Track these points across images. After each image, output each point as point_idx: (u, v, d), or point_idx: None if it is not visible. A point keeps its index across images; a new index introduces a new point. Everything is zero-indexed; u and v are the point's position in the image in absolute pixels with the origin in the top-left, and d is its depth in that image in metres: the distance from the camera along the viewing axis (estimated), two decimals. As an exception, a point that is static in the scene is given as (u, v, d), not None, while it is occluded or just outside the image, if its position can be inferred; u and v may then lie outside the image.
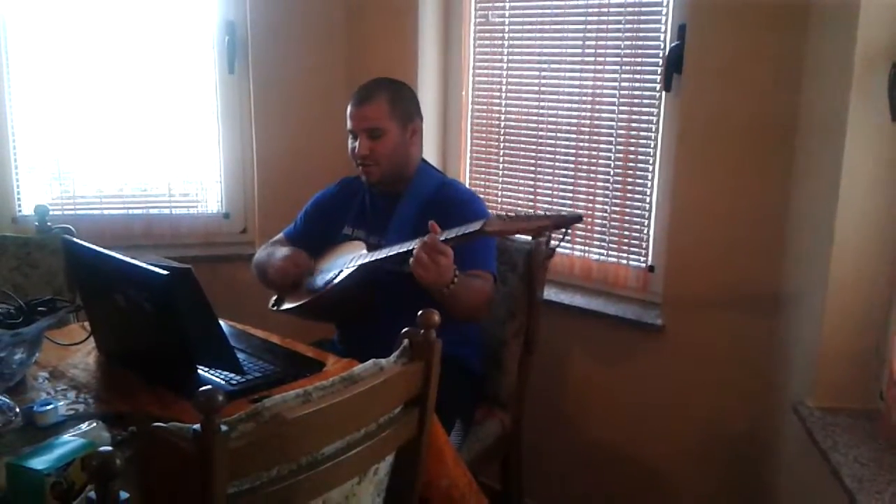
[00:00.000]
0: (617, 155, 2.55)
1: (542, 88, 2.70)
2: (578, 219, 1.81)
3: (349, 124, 2.21)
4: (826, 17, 1.97)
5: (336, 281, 2.14)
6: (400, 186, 2.25)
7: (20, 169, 2.96)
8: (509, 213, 1.84)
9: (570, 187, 2.67)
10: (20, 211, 2.97)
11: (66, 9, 2.88)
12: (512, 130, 2.81)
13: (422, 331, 1.41)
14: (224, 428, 1.06)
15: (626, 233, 2.57)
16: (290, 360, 1.88)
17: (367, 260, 2.10)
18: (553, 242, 2.29)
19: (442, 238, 1.85)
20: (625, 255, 2.59)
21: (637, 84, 2.49)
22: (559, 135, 2.68)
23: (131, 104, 3.01)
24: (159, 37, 2.99)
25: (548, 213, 1.85)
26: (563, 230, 1.88)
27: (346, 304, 2.18)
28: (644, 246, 2.55)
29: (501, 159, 2.85)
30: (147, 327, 1.70)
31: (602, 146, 2.58)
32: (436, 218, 1.93)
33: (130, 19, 2.94)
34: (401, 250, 2.00)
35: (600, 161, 2.59)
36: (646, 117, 2.48)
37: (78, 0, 2.88)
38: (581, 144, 2.63)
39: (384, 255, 2.05)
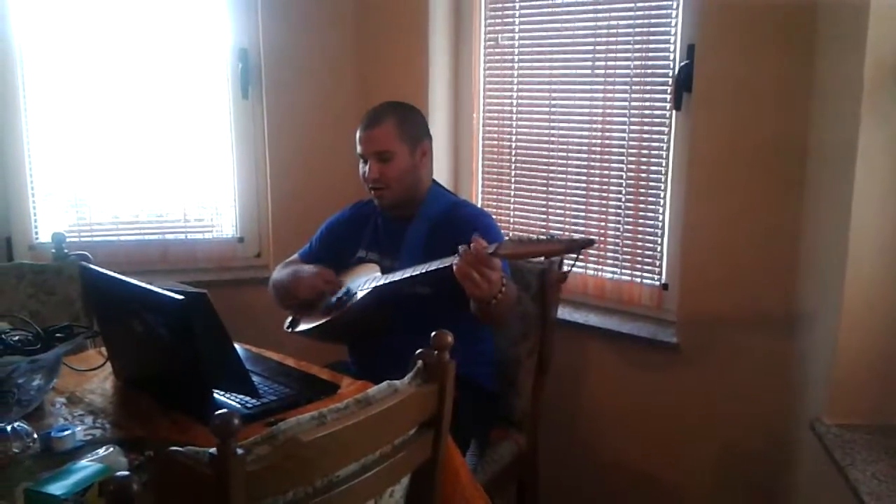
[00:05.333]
0: (629, 174, 2.56)
1: (553, 109, 2.71)
2: (590, 243, 1.80)
3: (359, 148, 2.23)
4: (834, 34, 1.98)
5: (351, 303, 2.15)
6: (412, 209, 2.26)
7: (37, 196, 2.99)
8: (521, 237, 1.84)
9: (583, 207, 2.68)
10: (37, 238, 3.00)
11: (82, 36, 2.92)
12: (523, 151, 2.82)
13: (435, 352, 1.41)
14: (240, 451, 1.06)
15: (639, 251, 2.58)
16: (305, 383, 1.89)
17: (382, 283, 2.11)
18: (565, 266, 2.28)
19: (456, 262, 1.85)
20: (638, 273, 2.59)
21: (647, 103, 2.50)
22: (570, 155, 2.69)
23: (146, 131, 3.05)
24: (173, 64, 3.03)
25: (560, 237, 1.85)
26: (576, 254, 1.86)
27: (362, 325, 2.19)
28: (657, 264, 2.55)
29: (513, 180, 2.86)
30: (163, 352, 1.71)
31: (613, 165, 2.59)
32: (447, 238, 1.93)
33: (145, 47, 2.98)
34: (416, 273, 2.01)
35: (612, 180, 2.60)
36: (657, 136, 2.49)
37: (93, 28, 2.92)
38: (593, 164, 2.64)
39: (399, 278, 2.06)
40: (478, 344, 2.24)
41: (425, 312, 1.97)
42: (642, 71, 2.49)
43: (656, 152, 2.50)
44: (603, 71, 2.58)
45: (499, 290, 1.87)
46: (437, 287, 2.08)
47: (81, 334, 1.74)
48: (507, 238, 1.88)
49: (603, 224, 2.64)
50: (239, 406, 1.71)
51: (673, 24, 2.41)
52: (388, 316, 2.15)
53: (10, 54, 2.86)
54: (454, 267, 1.85)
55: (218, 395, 1.75)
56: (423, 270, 1.99)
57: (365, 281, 2.18)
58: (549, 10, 2.68)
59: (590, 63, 2.60)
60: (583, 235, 2.24)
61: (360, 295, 2.15)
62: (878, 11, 1.71)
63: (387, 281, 2.10)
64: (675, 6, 2.39)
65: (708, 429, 2.41)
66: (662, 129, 2.47)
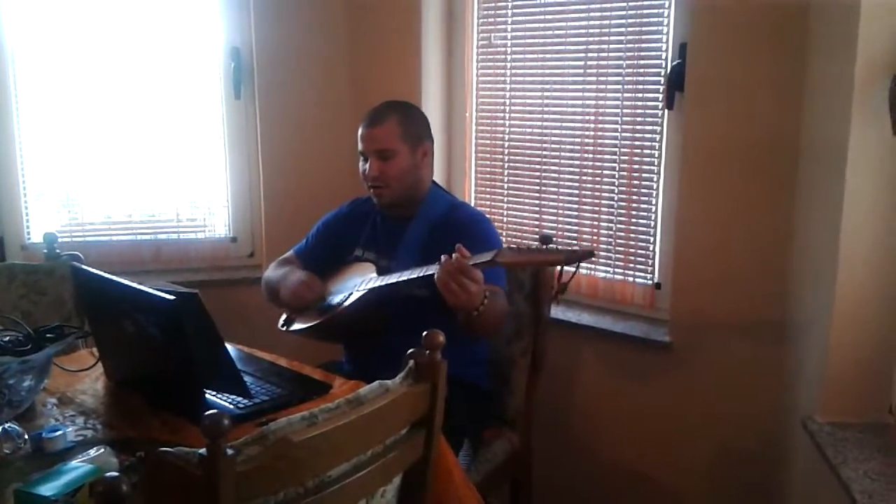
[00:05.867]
0: (621, 173, 2.56)
1: (545, 108, 2.72)
2: (590, 254, 1.80)
3: (360, 146, 2.22)
4: (826, 33, 1.98)
5: (346, 304, 2.15)
6: (411, 209, 2.26)
7: (29, 196, 2.98)
8: (521, 246, 1.83)
9: (575, 206, 2.68)
10: (29, 238, 2.99)
11: (74, 36, 2.91)
12: (516, 151, 2.82)
13: (427, 351, 1.41)
14: (230, 452, 1.06)
15: (631, 250, 2.58)
16: (298, 383, 1.88)
17: (377, 284, 2.11)
18: (566, 272, 2.26)
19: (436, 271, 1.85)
20: (631, 272, 2.59)
21: (640, 102, 2.50)
22: (563, 154, 2.69)
23: (138, 130, 3.04)
24: (166, 64, 3.02)
25: (559, 247, 1.84)
26: (575, 265, 1.85)
27: (356, 326, 2.18)
28: (650, 263, 2.55)
29: (506, 180, 2.86)
30: (154, 352, 1.70)
31: (606, 164, 2.59)
32: (445, 240, 1.93)
33: (137, 46, 2.98)
34: (412, 276, 2.00)
35: (605, 179, 2.60)
36: (649, 135, 2.49)
37: (85, 28, 2.92)
38: (585, 163, 2.64)
39: (395, 281, 2.06)
40: (473, 343, 2.23)
41: (423, 313, 1.97)
42: (634, 70, 2.49)
43: (649, 151, 2.50)
44: (595, 70, 2.58)
45: (480, 301, 1.86)
46: (434, 288, 2.07)
47: (72, 335, 1.74)
48: (505, 246, 1.86)
49: (596, 223, 2.64)
50: (231, 406, 1.70)
51: (665, 23, 2.41)
52: (384, 316, 2.15)
53: (2, 54, 2.85)
54: (435, 276, 1.85)
55: (210, 396, 1.74)
56: (412, 276, 1.99)
57: (361, 282, 2.17)
58: (542, 9, 2.68)
59: (582, 62, 2.60)
60: (581, 245, 2.24)
61: (355, 296, 2.14)
62: (869, 11, 1.71)
63: (382, 283, 2.09)
64: (667, 5, 2.40)
65: (701, 427, 2.41)
66: (655, 128, 2.47)
